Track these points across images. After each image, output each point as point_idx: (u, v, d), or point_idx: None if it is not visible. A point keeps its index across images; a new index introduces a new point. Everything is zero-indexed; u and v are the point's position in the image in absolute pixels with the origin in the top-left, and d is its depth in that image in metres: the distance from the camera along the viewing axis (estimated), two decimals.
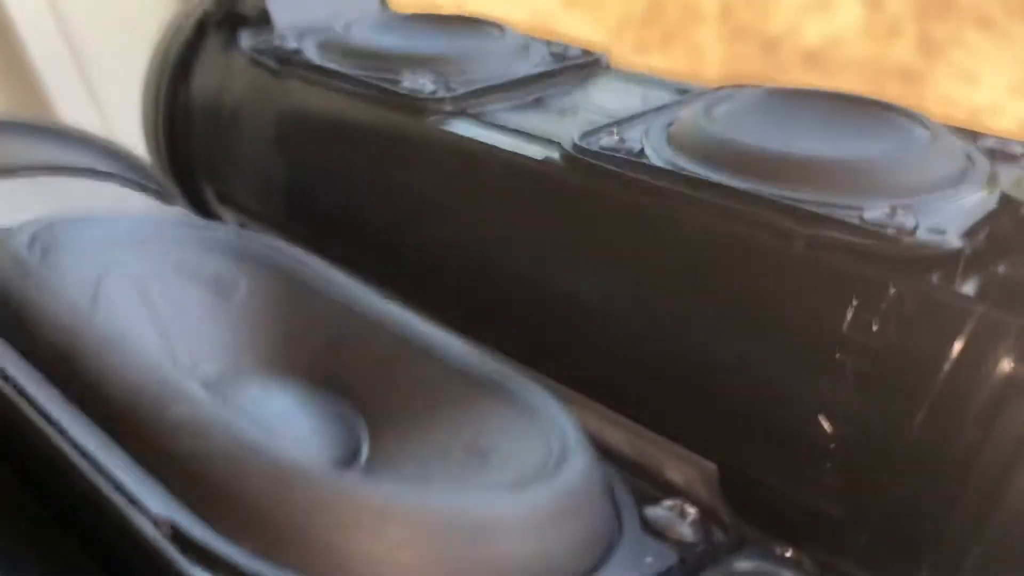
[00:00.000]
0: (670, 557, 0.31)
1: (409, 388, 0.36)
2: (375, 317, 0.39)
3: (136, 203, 0.52)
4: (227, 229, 0.44)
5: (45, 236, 0.39)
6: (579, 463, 0.31)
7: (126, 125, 0.67)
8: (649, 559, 0.31)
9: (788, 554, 0.33)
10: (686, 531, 0.32)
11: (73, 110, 0.85)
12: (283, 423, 0.36)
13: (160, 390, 0.32)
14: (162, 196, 0.55)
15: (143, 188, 0.54)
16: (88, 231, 0.40)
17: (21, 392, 0.33)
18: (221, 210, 0.61)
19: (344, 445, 0.35)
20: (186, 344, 0.38)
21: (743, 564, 0.31)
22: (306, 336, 0.39)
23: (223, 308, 0.40)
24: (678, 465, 0.38)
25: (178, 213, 0.53)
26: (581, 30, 1.21)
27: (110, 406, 0.32)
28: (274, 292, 0.41)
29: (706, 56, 1.23)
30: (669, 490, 0.35)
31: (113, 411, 0.32)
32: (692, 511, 0.33)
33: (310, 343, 0.39)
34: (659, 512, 0.33)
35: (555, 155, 0.42)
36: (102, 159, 0.54)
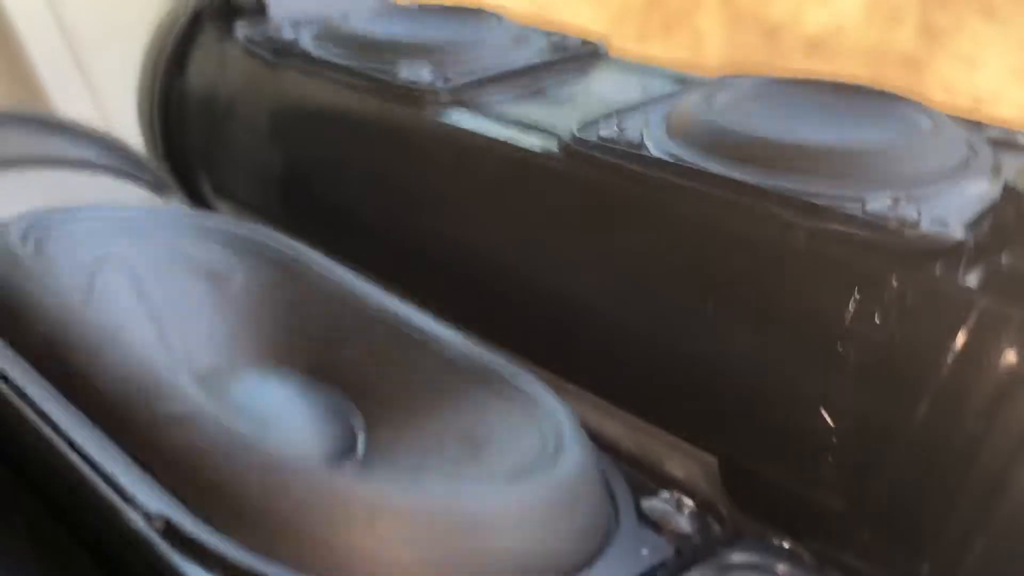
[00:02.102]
0: (666, 549, 0.31)
1: (405, 379, 0.36)
2: (371, 308, 0.39)
3: (131, 195, 0.52)
4: (223, 219, 0.44)
5: (38, 230, 0.39)
6: (574, 455, 0.31)
7: (123, 117, 0.67)
8: (645, 551, 0.31)
9: (786, 546, 0.33)
10: (683, 523, 0.32)
11: (69, 102, 0.85)
12: (278, 416, 0.36)
13: (152, 384, 0.31)
14: (157, 188, 0.54)
15: (138, 180, 0.53)
16: (82, 224, 0.40)
17: (15, 388, 0.33)
18: (217, 201, 0.61)
19: (340, 437, 0.35)
20: (181, 336, 0.38)
21: (739, 556, 0.31)
22: (302, 327, 0.39)
23: (218, 298, 0.40)
24: (678, 458, 0.38)
25: (173, 205, 0.52)
26: (582, 18, 1.21)
27: (102, 400, 0.32)
28: (270, 283, 0.41)
29: (707, 44, 1.23)
30: (668, 483, 0.35)
31: (105, 405, 0.31)
32: (689, 503, 0.33)
33: (306, 334, 0.39)
34: (656, 504, 0.33)
35: (554, 146, 0.42)
36: (97, 151, 0.54)
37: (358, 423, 0.36)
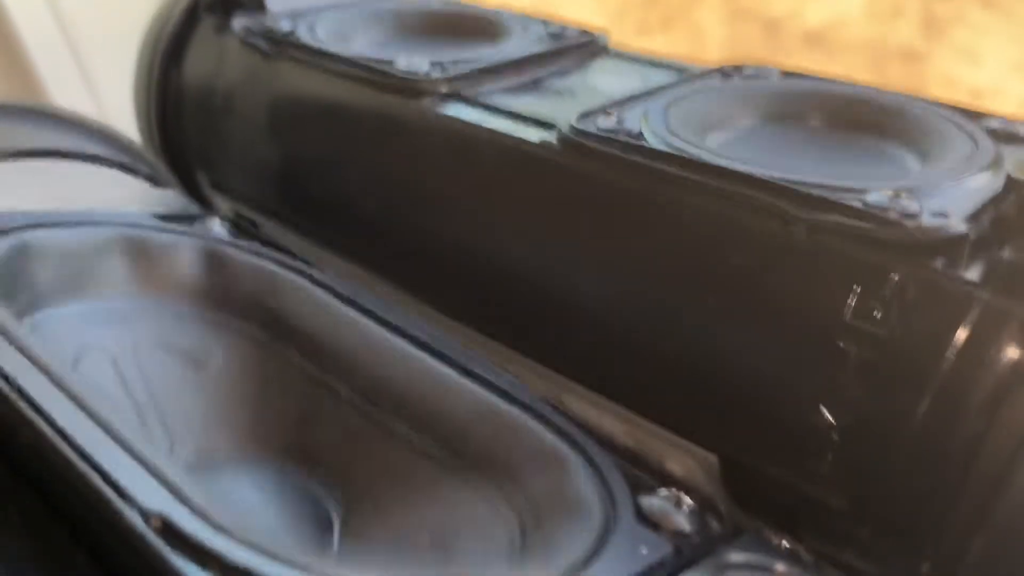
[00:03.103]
0: (664, 548, 0.31)
1: (376, 468, 0.37)
2: (345, 389, 0.39)
3: (128, 187, 0.52)
4: (219, 218, 0.44)
5: (28, 235, 0.39)
6: (539, 553, 0.31)
7: (120, 110, 0.67)
8: (644, 549, 0.31)
9: (785, 545, 0.33)
10: (681, 521, 0.32)
11: (67, 95, 0.85)
12: (257, 509, 0.36)
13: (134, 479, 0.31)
14: (154, 180, 0.54)
15: (135, 172, 0.53)
16: (73, 232, 0.40)
17: (12, 384, 0.33)
18: (214, 195, 0.61)
19: (316, 527, 0.36)
20: (162, 425, 0.39)
21: (737, 555, 0.30)
22: (279, 409, 0.40)
23: (198, 383, 0.41)
24: (678, 455, 0.38)
25: (170, 199, 0.52)
26: (582, 12, 1.20)
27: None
28: (248, 363, 0.41)
29: (708, 37, 1.22)
30: (667, 480, 0.35)
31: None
32: (688, 501, 0.33)
33: (283, 417, 0.40)
34: (654, 502, 0.33)
35: (552, 138, 0.42)
36: (94, 143, 0.54)
37: (335, 511, 0.36)
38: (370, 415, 0.38)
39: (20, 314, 0.37)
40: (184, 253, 0.43)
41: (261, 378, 0.41)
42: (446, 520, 0.34)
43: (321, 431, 0.38)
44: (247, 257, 0.43)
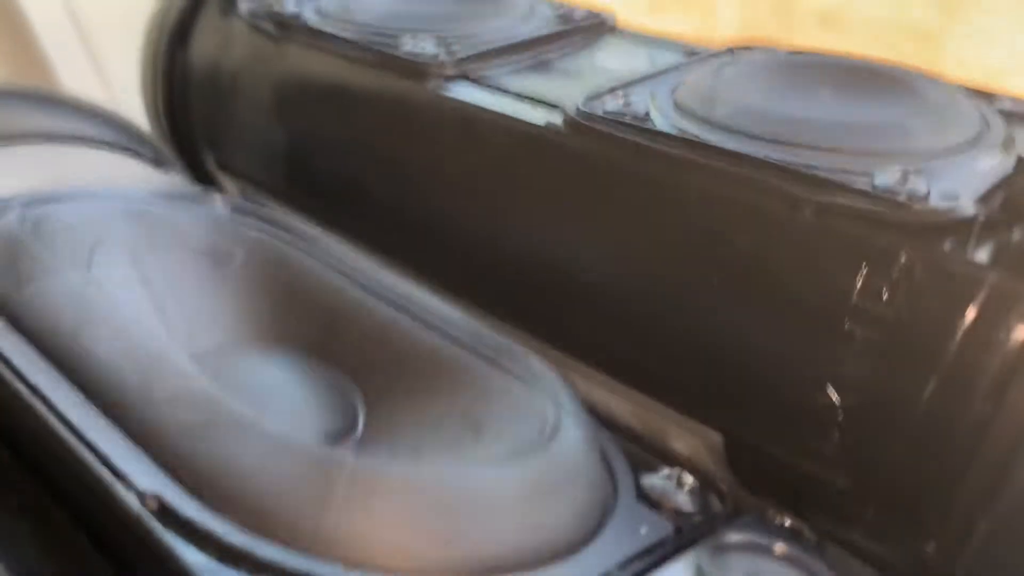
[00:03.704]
0: (665, 528, 0.31)
1: (404, 360, 0.36)
2: (371, 288, 0.39)
3: (132, 170, 0.52)
4: (223, 199, 0.44)
5: (37, 210, 0.39)
6: (571, 436, 0.31)
7: (128, 93, 0.67)
8: (644, 529, 0.31)
9: (786, 524, 0.33)
10: (683, 501, 0.32)
11: (75, 78, 0.85)
12: (278, 397, 0.36)
13: (152, 365, 0.31)
14: (158, 163, 0.54)
15: (139, 155, 0.53)
16: (80, 206, 0.40)
17: (12, 367, 0.33)
18: (221, 177, 0.61)
19: (339, 418, 0.35)
20: (182, 316, 0.38)
21: (738, 535, 0.30)
22: (303, 308, 0.39)
23: (219, 278, 0.40)
24: (683, 435, 0.38)
25: (175, 181, 0.52)
26: None
27: (102, 381, 0.31)
28: (271, 263, 0.40)
29: (721, 16, 1.21)
30: (669, 459, 0.35)
31: (104, 386, 0.31)
32: (689, 480, 0.33)
33: (307, 315, 0.39)
34: (656, 481, 0.33)
35: (558, 119, 0.41)
36: (99, 127, 0.54)
37: (358, 403, 0.36)
38: (398, 313, 0.37)
39: (26, 281, 0.36)
40: (188, 223, 0.42)
41: (284, 278, 0.40)
42: (477, 400, 0.33)
43: (348, 327, 0.38)
44: (251, 231, 0.43)
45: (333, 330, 0.38)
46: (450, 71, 0.47)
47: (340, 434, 0.34)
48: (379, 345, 0.37)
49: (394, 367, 0.36)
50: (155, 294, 0.38)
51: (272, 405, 0.35)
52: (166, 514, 0.28)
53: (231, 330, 0.39)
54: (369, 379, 0.36)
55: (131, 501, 0.28)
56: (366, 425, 0.35)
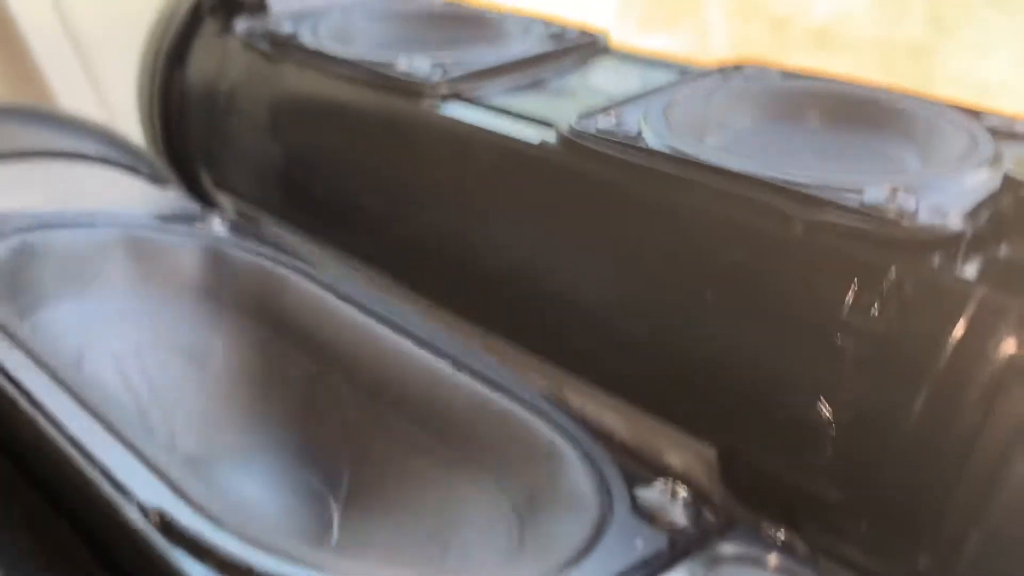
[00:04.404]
0: (659, 540, 0.31)
1: (376, 463, 0.37)
2: (345, 385, 0.39)
3: (129, 187, 0.52)
4: (220, 218, 0.44)
5: (34, 236, 0.39)
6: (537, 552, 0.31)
7: (126, 111, 0.67)
8: (639, 542, 0.31)
9: (780, 537, 0.33)
10: (677, 514, 0.32)
11: (73, 97, 0.85)
12: (258, 502, 0.37)
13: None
14: (155, 180, 0.54)
15: (136, 172, 0.54)
16: (78, 232, 0.41)
17: (13, 381, 0.33)
18: (218, 195, 0.61)
19: (317, 519, 0.36)
20: (164, 421, 0.39)
21: (732, 547, 0.30)
22: (279, 405, 0.40)
23: (199, 379, 0.41)
24: (677, 449, 0.38)
25: (172, 198, 0.52)
26: (587, 10, 1.20)
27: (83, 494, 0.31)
28: (248, 360, 0.41)
29: (714, 35, 1.22)
30: (665, 473, 0.35)
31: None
32: (683, 494, 0.33)
33: (283, 412, 0.40)
34: (650, 495, 0.33)
35: (551, 138, 0.42)
36: (95, 144, 0.54)
37: (333, 504, 0.37)
38: (369, 410, 0.38)
39: (23, 314, 0.37)
40: (185, 252, 0.43)
41: (262, 375, 0.41)
42: (444, 513, 0.34)
43: (321, 426, 0.39)
44: (247, 256, 0.44)
45: (308, 427, 0.39)
46: (445, 90, 0.47)
47: (316, 540, 0.35)
48: (352, 446, 0.38)
49: (367, 470, 0.37)
50: (138, 398, 0.39)
51: (252, 511, 0.36)
52: (169, 528, 0.28)
53: (212, 431, 0.39)
54: (344, 481, 0.37)
55: (134, 515, 0.28)
56: (341, 529, 0.36)
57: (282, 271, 0.43)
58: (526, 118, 0.44)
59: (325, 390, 0.40)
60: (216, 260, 0.43)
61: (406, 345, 0.39)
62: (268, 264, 0.43)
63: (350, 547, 0.35)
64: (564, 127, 0.41)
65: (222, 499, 0.33)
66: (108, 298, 0.42)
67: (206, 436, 0.39)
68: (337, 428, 0.38)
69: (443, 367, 0.38)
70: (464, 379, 0.37)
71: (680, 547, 0.31)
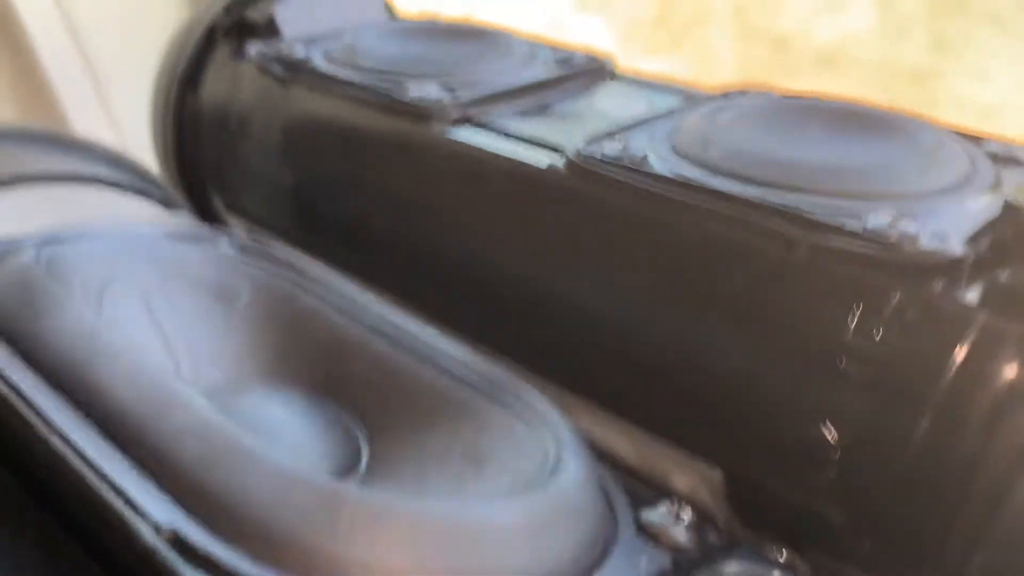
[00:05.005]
0: (663, 560, 0.32)
1: (407, 395, 0.37)
2: (374, 326, 0.39)
3: (141, 211, 0.53)
4: (229, 237, 0.45)
5: (51, 249, 0.39)
6: (573, 470, 0.31)
7: (138, 135, 0.68)
8: (643, 562, 0.31)
9: (783, 557, 0.33)
10: (681, 534, 0.32)
11: (87, 121, 0.86)
12: (283, 431, 0.37)
13: (162, 398, 0.32)
14: (167, 204, 0.55)
15: (148, 196, 0.54)
16: (92, 244, 0.41)
17: (25, 398, 0.34)
18: (229, 218, 0.62)
19: (343, 453, 0.36)
20: (189, 353, 0.39)
21: (735, 568, 0.31)
22: (306, 343, 0.40)
23: (225, 316, 0.41)
24: (682, 471, 0.38)
25: (184, 221, 0.53)
26: (592, 33, 1.21)
27: (113, 414, 0.32)
28: (275, 300, 0.41)
29: (717, 57, 1.23)
30: (668, 493, 0.36)
31: (116, 419, 0.32)
32: (688, 514, 0.33)
33: (310, 350, 0.40)
34: (655, 515, 0.33)
35: (559, 163, 0.42)
36: (107, 168, 0.55)
37: (362, 438, 0.37)
38: (400, 350, 0.38)
39: (39, 318, 0.37)
40: (198, 262, 0.43)
41: (289, 314, 0.41)
42: (479, 438, 0.34)
43: (350, 363, 0.38)
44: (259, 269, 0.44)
45: (336, 367, 0.39)
46: (454, 115, 0.48)
47: (345, 469, 0.35)
48: (381, 382, 0.37)
49: (396, 403, 0.37)
50: (163, 331, 0.39)
51: (278, 440, 0.36)
52: (181, 546, 0.28)
53: (237, 367, 0.39)
54: (372, 415, 0.37)
55: (146, 533, 0.28)
56: (370, 460, 0.35)
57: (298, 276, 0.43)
58: (534, 142, 0.45)
59: (354, 329, 0.39)
60: (228, 268, 0.43)
61: (430, 333, 0.39)
62: (283, 270, 0.43)
63: (378, 475, 0.35)
64: (571, 152, 0.42)
65: (249, 425, 0.33)
66: (134, 239, 0.42)
67: (232, 368, 0.39)
68: (367, 364, 0.38)
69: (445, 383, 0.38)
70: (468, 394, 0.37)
71: (684, 567, 0.31)
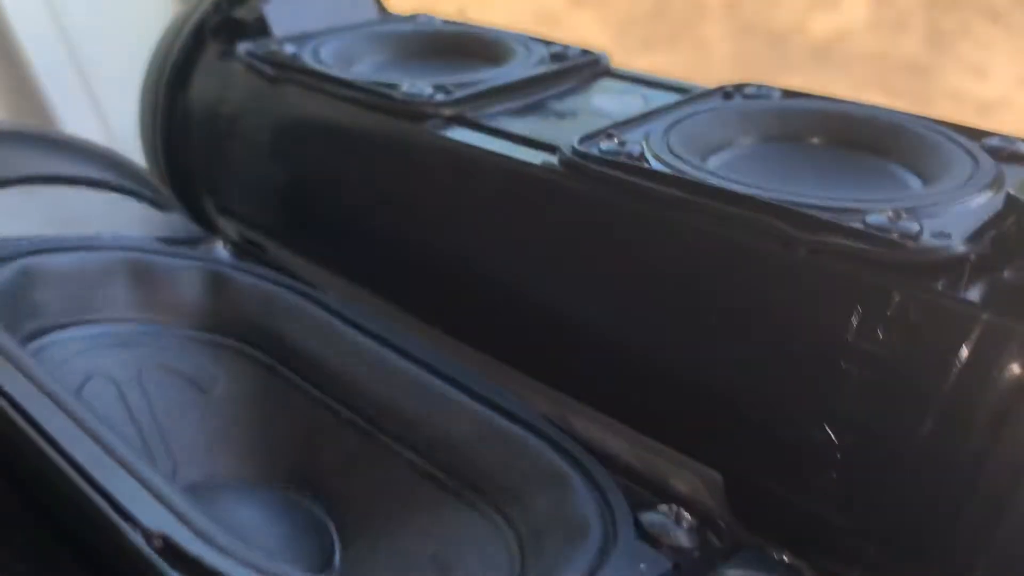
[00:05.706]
0: (664, 564, 0.31)
1: (377, 490, 0.37)
2: (349, 398, 0.40)
3: (132, 211, 0.52)
4: (222, 244, 0.45)
5: (36, 260, 0.39)
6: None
7: (127, 134, 0.67)
8: (643, 566, 0.31)
9: (785, 561, 0.33)
10: (681, 538, 0.32)
11: (75, 120, 0.85)
12: (259, 531, 0.37)
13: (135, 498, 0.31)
14: (157, 204, 0.54)
15: (139, 196, 0.54)
16: (78, 256, 0.41)
17: (15, 406, 0.33)
18: (220, 218, 0.61)
19: (317, 551, 0.36)
20: (165, 449, 0.39)
21: (736, 571, 0.30)
22: (282, 433, 0.40)
23: (202, 406, 0.41)
24: (682, 474, 0.38)
25: (174, 222, 0.52)
26: (587, 29, 1.21)
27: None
28: (251, 387, 0.42)
29: (713, 52, 1.23)
30: (668, 496, 0.35)
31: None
32: (688, 517, 0.33)
33: (285, 440, 0.40)
34: (654, 519, 0.33)
35: (554, 160, 0.42)
36: (99, 168, 0.55)
37: (335, 537, 0.37)
38: (372, 437, 0.38)
39: (25, 339, 0.37)
40: (187, 277, 0.43)
41: (264, 402, 0.41)
42: (447, 542, 0.34)
43: (323, 454, 0.39)
44: (249, 280, 0.44)
45: (309, 457, 0.39)
46: (447, 112, 0.47)
47: (319, 568, 0.35)
48: (352, 473, 0.38)
49: (367, 498, 0.37)
50: (140, 426, 0.39)
51: (255, 541, 0.36)
52: (173, 553, 0.28)
53: (213, 461, 0.40)
54: (345, 511, 0.37)
55: (138, 540, 0.28)
56: (342, 560, 0.36)
57: (284, 295, 0.43)
58: (528, 140, 0.44)
59: (328, 416, 0.39)
60: (219, 284, 0.43)
61: (410, 369, 0.39)
62: (270, 288, 0.43)
63: (352, 574, 0.35)
64: (567, 149, 0.41)
65: (223, 526, 0.33)
66: (110, 323, 0.42)
67: (207, 465, 0.39)
68: (340, 456, 0.38)
69: (447, 391, 0.38)
70: (468, 404, 0.37)
71: (685, 571, 0.31)
